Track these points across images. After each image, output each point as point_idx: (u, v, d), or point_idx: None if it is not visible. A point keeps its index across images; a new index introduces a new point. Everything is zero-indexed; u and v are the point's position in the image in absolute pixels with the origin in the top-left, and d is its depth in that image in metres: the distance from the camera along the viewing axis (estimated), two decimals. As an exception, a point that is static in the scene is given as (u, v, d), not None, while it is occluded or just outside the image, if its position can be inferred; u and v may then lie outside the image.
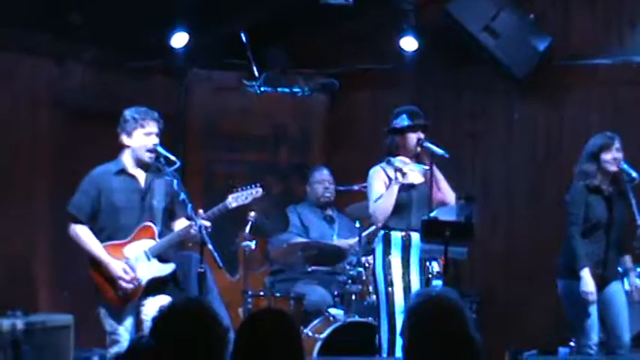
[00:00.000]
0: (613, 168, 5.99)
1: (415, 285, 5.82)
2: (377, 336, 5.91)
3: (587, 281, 5.84)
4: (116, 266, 5.53)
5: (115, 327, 5.57)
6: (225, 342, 3.10)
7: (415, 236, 5.85)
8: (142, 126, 5.56)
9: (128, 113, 5.61)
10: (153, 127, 5.57)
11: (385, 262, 5.84)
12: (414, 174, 5.86)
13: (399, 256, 5.84)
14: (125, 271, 5.53)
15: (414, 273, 5.84)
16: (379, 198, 5.83)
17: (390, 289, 5.80)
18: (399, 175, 5.78)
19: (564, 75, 7.86)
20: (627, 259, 6.14)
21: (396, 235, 5.86)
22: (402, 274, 5.81)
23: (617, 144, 6.02)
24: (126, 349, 3.50)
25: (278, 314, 3.23)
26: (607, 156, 6.00)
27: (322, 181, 7.31)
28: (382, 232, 5.91)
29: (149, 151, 5.57)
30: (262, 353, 3.04)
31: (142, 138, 5.58)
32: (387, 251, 5.86)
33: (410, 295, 5.73)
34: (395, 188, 5.79)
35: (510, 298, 7.78)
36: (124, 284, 5.53)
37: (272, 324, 3.11)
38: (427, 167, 5.86)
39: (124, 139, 5.61)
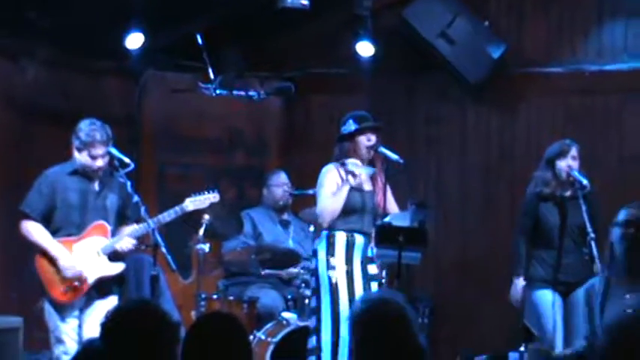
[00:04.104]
0: (565, 175, 6.08)
1: (359, 286, 5.84)
2: (314, 337, 5.89)
3: (516, 288, 6.09)
4: (65, 260, 5.49)
5: (58, 325, 5.54)
6: (175, 341, 3.08)
7: (359, 238, 5.88)
8: (89, 150, 5.56)
9: (81, 130, 5.57)
10: (99, 150, 5.56)
11: (329, 263, 5.85)
12: (365, 179, 5.90)
13: (343, 257, 5.85)
14: (74, 267, 5.50)
15: (357, 274, 5.86)
16: (328, 197, 5.85)
17: (334, 290, 5.81)
18: (350, 177, 5.81)
19: (518, 82, 7.94)
20: None
21: (341, 236, 5.88)
22: (346, 274, 5.83)
23: (573, 152, 6.11)
24: (76, 354, 3.46)
25: (226, 318, 3.21)
26: (562, 163, 6.10)
27: (281, 184, 7.30)
28: (326, 232, 5.92)
29: (94, 171, 5.60)
30: (210, 357, 3.02)
31: (87, 159, 5.59)
32: (330, 252, 5.86)
33: (354, 296, 5.76)
34: (345, 190, 5.82)
35: (463, 303, 7.83)
36: (70, 276, 5.48)
37: (220, 328, 3.09)
38: (377, 169, 5.89)
39: (74, 150, 5.61)
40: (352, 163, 5.89)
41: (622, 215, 4.25)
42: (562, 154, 6.11)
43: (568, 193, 6.10)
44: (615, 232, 4.24)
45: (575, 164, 6.09)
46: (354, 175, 5.82)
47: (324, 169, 5.98)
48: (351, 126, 5.95)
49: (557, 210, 6.08)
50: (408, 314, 3.19)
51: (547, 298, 6.02)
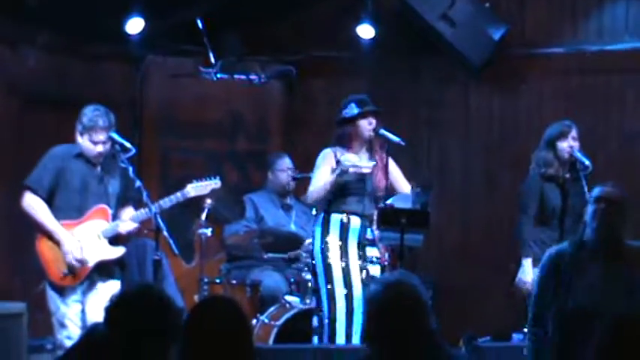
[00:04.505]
0: (567, 156, 6.08)
1: (355, 268, 5.86)
2: (315, 317, 5.94)
3: (527, 270, 6.00)
4: (69, 242, 5.52)
5: (60, 307, 5.56)
6: (178, 326, 3.09)
7: (355, 220, 5.89)
8: (90, 135, 5.57)
9: (85, 114, 5.58)
10: (100, 136, 5.56)
11: (323, 245, 5.88)
12: (365, 162, 5.92)
13: (337, 239, 5.88)
14: (77, 249, 5.52)
15: (352, 256, 5.88)
16: (319, 180, 5.89)
17: (328, 271, 5.84)
18: (344, 169, 5.84)
19: (519, 63, 7.93)
20: None
21: (336, 218, 5.90)
22: (340, 256, 5.86)
23: (573, 132, 6.12)
24: (79, 340, 3.47)
25: (226, 302, 3.21)
26: (563, 144, 6.10)
27: (286, 168, 7.29)
28: (322, 214, 5.95)
29: (94, 156, 5.60)
30: (210, 341, 3.03)
31: (88, 144, 5.60)
32: (325, 233, 5.90)
33: (349, 278, 5.79)
34: (336, 181, 5.84)
35: (465, 285, 7.84)
36: (71, 261, 5.51)
37: (220, 311, 3.10)
38: (375, 163, 5.91)
39: (77, 134, 5.62)
40: (350, 162, 5.88)
41: (595, 192, 4.33)
42: (562, 135, 6.11)
43: (568, 174, 6.11)
44: (588, 209, 4.31)
45: (575, 145, 6.10)
46: (354, 166, 5.85)
47: (322, 153, 6.01)
48: (353, 109, 5.96)
49: (559, 190, 6.09)
50: (423, 296, 3.21)
51: None
